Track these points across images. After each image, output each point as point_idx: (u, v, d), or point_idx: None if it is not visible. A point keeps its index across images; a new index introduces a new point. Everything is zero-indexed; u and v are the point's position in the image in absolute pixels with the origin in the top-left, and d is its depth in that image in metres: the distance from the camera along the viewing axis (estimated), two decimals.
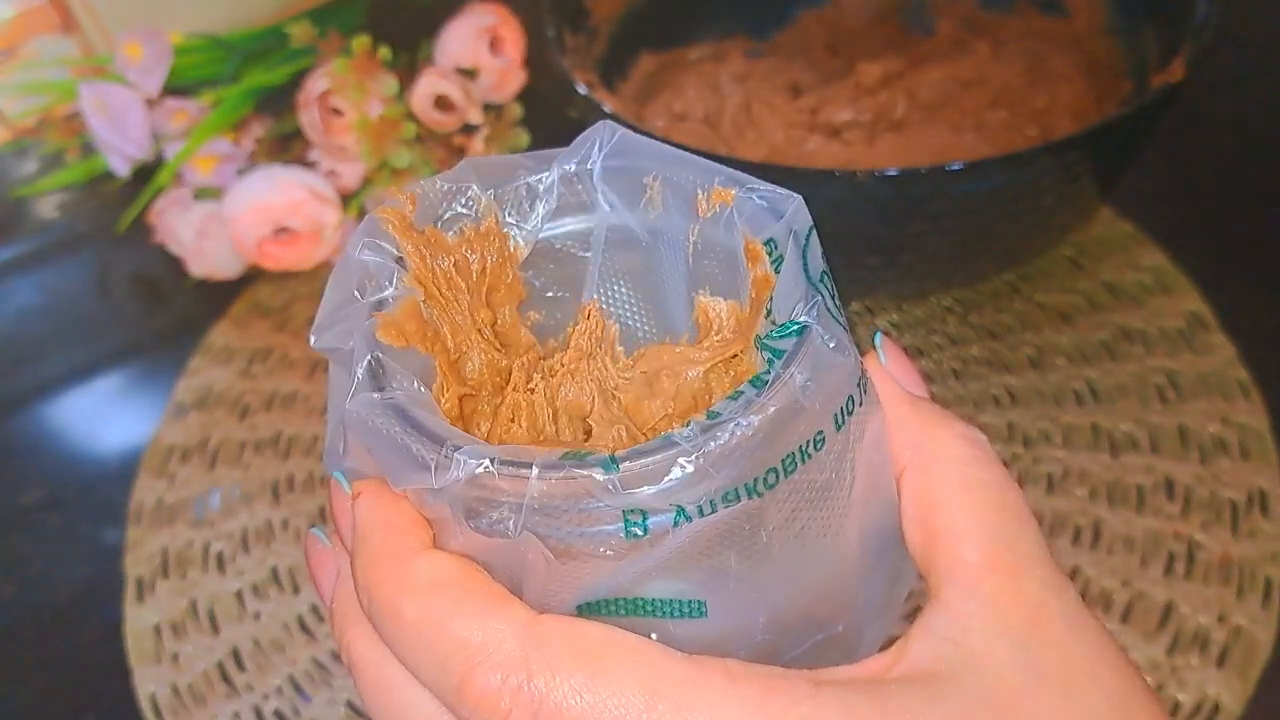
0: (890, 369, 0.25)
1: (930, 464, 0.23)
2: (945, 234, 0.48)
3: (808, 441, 0.21)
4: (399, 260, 0.24)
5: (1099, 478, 0.48)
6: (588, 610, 0.21)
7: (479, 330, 0.27)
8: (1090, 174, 0.48)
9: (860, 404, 0.22)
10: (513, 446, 0.20)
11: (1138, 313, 0.55)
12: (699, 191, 0.26)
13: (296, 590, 0.48)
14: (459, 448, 0.20)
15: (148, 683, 0.46)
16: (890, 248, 0.49)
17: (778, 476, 0.20)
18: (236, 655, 0.46)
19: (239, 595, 0.49)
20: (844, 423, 0.22)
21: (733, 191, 0.25)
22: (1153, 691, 0.21)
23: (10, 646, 0.49)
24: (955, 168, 0.44)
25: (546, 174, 0.27)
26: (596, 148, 0.26)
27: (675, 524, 0.19)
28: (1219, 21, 0.49)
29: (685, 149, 0.26)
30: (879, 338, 0.26)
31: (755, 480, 0.20)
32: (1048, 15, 0.62)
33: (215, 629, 0.47)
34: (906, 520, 0.24)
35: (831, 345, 0.22)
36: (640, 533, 0.19)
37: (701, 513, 0.20)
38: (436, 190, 0.26)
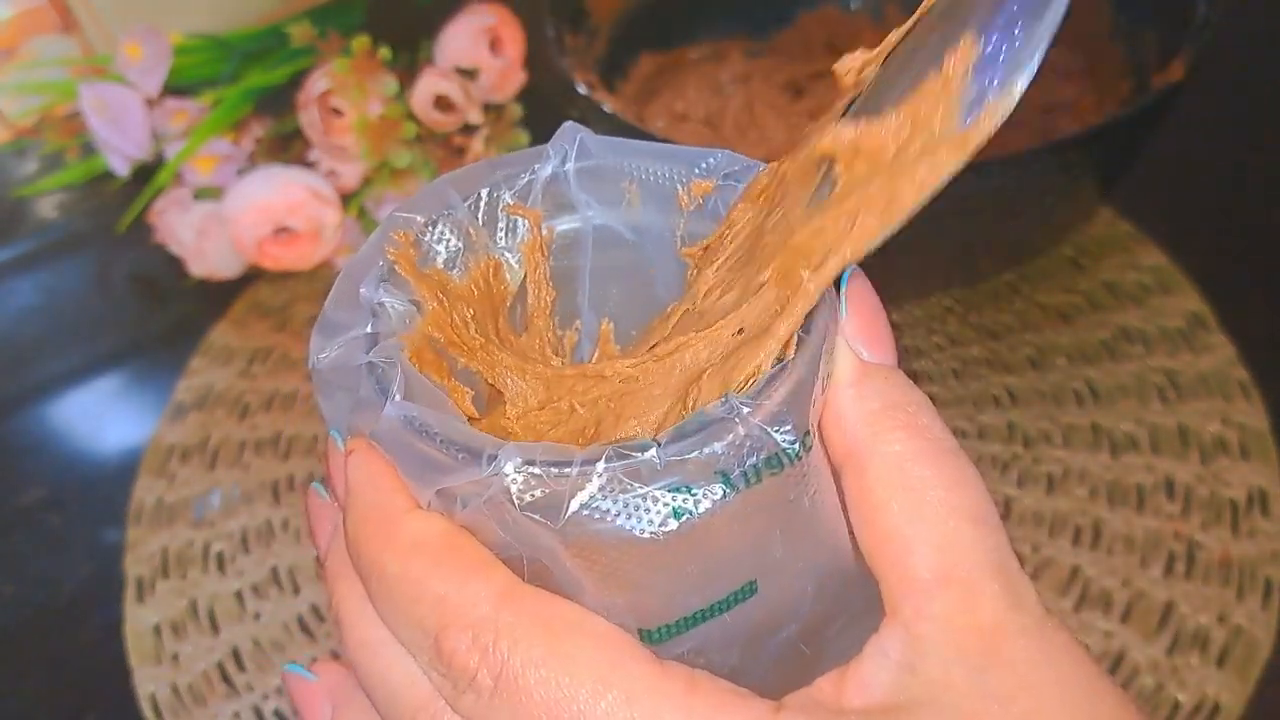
0: (848, 324, 0.22)
1: (869, 462, 0.21)
2: (945, 234, 0.48)
3: (815, 401, 0.21)
4: (412, 302, 0.25)
5: (1099, 477, 0.48)
6: (649, 639, 0.21)
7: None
8: (1090, 174, 0.48)
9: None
10: (553, 445, 0.21)
11: (1138, 313, 0.55)
12: (678, 187, 0.26)
13: (296, 590, 0.48)
14: (498, 451, 0.20)
15: (148, 683, 0.46)
16: (890, 248, 0.49)
17: (811, 438, 0.20)
18: (236, 655, 0.46)
19: (239, 595, 0.49)
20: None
21: (713, 182, 0.26)
22: (1131, 704, 0.20)
23: (10, 646, 0.49)
24: None
25: (527, 175, 0.27)
26: (571, 151, 0.26)
27: (723, 497, 0.19)
28: (1219, 22, 0.49)
29: (656, 139, 0.27)
30: (845, 279, 0.22)
31: (795, 443, 0.20)
32: None
33: (215, 629, 0.47)
34: (855, 530, 0.21)
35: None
36: (691, 510, 0.19)
37: (748, 481, 0.20)
38: (420, 224, 0.26)
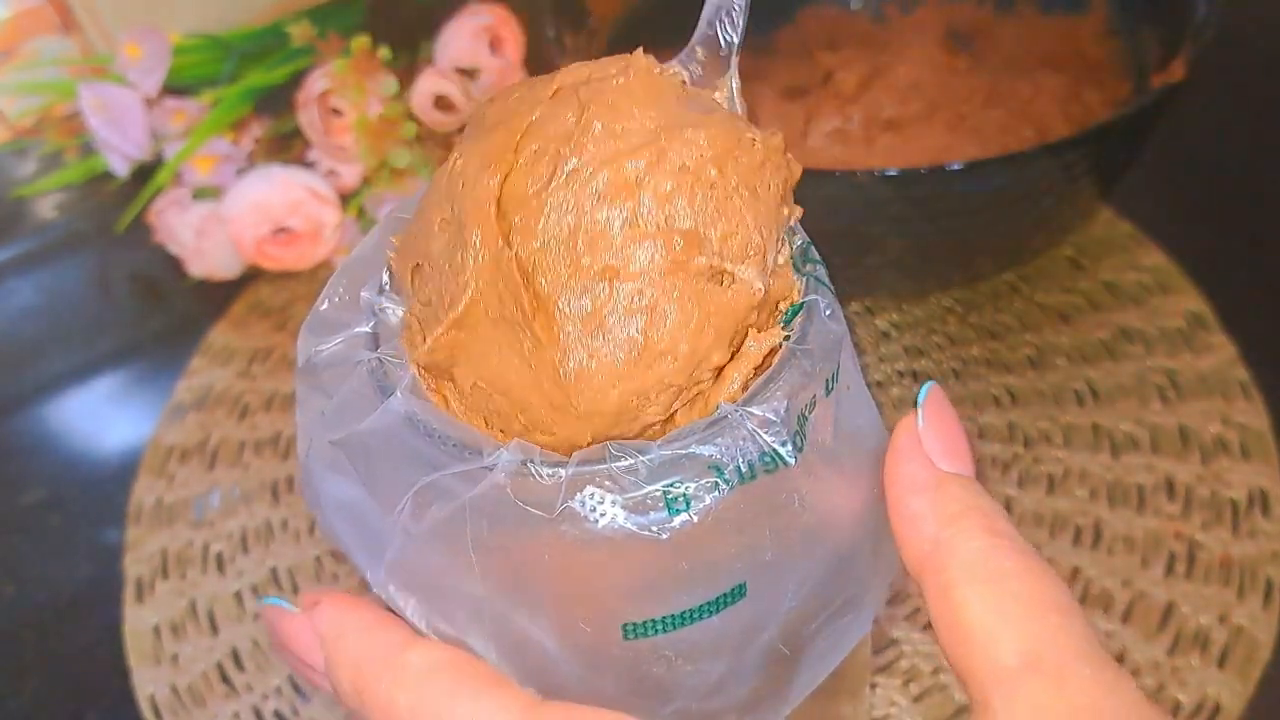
0: (926, 434, 0.23)
1: (948, 560, 0.21)
2: (945, 234, 0.48)
3: (805, 405, 0.21)
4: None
5: (1099, 478, 0.48)
6: (635, 633, 0.21)
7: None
8: (1090, 174, 0.48)
9: (841, 369, 0.23)
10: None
11: (1138, 313, 0.55)
12: None
13: (296, 590, 0.48)
14: (498, 449, 0.20)
15: (147, 683, 0.46)
16: (890, 248, 0.49)
17: (802, 440, 0.21)
18: (236, 655, 0.46)
19: (238, 595, 0.49)
20: (831, 388, 0.22)
21: None
22: None
23: (10, 646, 0.49)
24: (955, 168, 0.43)
25: None
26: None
27: (718, 492, 0.20)
28: (1219, 21, 0.49)
29: None
30: (924, 392, 0.23)
31: (786, 443, 0.20)
32: (1048, 15, 0.62)
33: (215, 629, 0.47)
34: (937, 629, 0.21)
35: (828, 314, 0.22)
36: (684, 507, 0.19)
37: (742, 478, 0.20)
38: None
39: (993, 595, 0.20)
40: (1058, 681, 0.19)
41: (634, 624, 0.21)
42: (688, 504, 0.19)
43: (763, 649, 0.23)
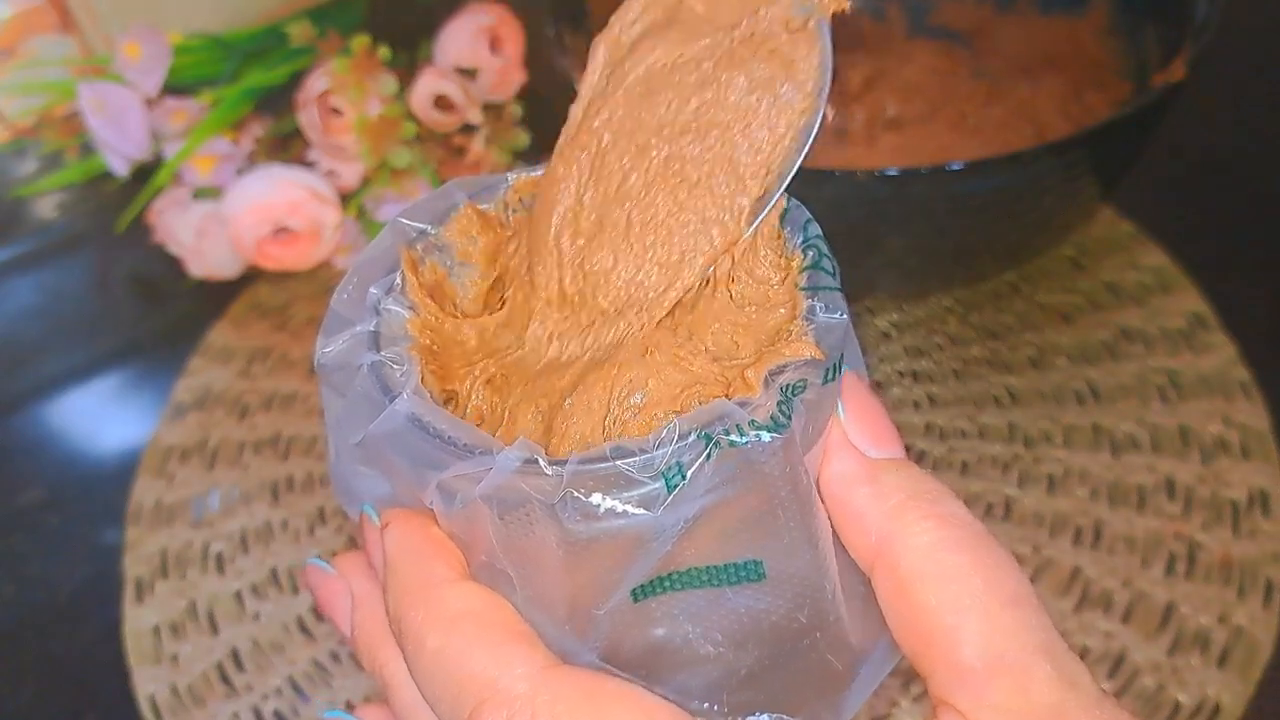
0: (849, 425, 0.22)
1: (900, 557, 0.21)
2: (945, 234, 0.48)
3: (793, 383, 0.21)
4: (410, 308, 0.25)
5: (1100, 478, 0.48)
6: (643, 593, 0.21)
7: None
8: (1091, 174, 0.48)
9: (843, 361, 0.23)
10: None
11: (1138, 313, 0.55)
12: None
13: (296, 591, 0.48)
14: (502, 448, 0.21)
15: (147, 683, 0.46)
16: (890, 248, 0.49)
17: (788, 411, 0.21)
18: (236, 656, 0.46)
19: (238, 596, 0.48)
20: (831, 379, 0.22)
21: None
22: None
23: (10, 646, 0.49)
24: (955, 168, 0.43)
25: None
26: None
27: (708, 456, 0.20)
28: (1219, 21, 0.49)
29: None
30: (839, 378, 0.22)
31: (775, 413, 0.20)
32: (1047, 14, 0.62)
33: (215, 629, 0.47)
34: (892, 625, 0.21)
35: (834, 312, 0.22)
36: (680, 479, 0.20)
37: (730, 440, 0.20)
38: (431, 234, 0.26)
39: (949, 594, 0.20)
40: (1022, 681, 0.19)
41: (641, 585, 0.21)
42: (681, 471, 0.20)
43: (806, 656, 0.23)
